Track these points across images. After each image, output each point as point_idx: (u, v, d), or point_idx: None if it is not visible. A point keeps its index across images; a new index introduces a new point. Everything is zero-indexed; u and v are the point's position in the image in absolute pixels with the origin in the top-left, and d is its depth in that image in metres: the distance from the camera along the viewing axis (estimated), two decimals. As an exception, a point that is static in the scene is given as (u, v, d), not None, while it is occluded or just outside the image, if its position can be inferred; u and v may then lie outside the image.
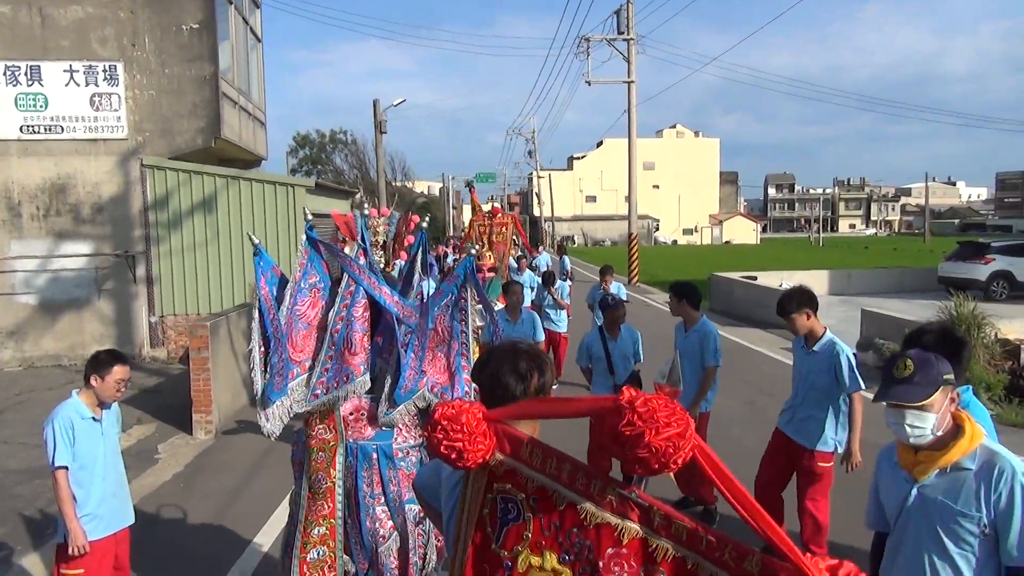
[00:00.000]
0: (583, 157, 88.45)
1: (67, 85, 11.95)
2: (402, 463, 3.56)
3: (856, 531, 5.19)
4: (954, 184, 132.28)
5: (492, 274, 11.52)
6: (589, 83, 27.42)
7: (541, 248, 21.18)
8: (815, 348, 4.76)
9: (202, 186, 12.42)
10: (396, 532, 3.49)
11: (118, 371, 3.79)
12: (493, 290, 11.06)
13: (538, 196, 65.38)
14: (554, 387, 7.83)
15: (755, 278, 20.44)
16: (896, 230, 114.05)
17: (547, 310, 10.55)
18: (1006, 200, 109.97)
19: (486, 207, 12.85)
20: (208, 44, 12.33)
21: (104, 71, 12.02)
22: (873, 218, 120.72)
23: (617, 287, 10.24)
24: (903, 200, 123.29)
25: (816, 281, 21.60)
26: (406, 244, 4.08)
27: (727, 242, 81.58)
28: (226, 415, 8.82)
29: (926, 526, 2.40)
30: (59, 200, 12.09)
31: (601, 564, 1.65)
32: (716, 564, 1.55)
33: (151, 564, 5.08)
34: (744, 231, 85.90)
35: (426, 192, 68.52)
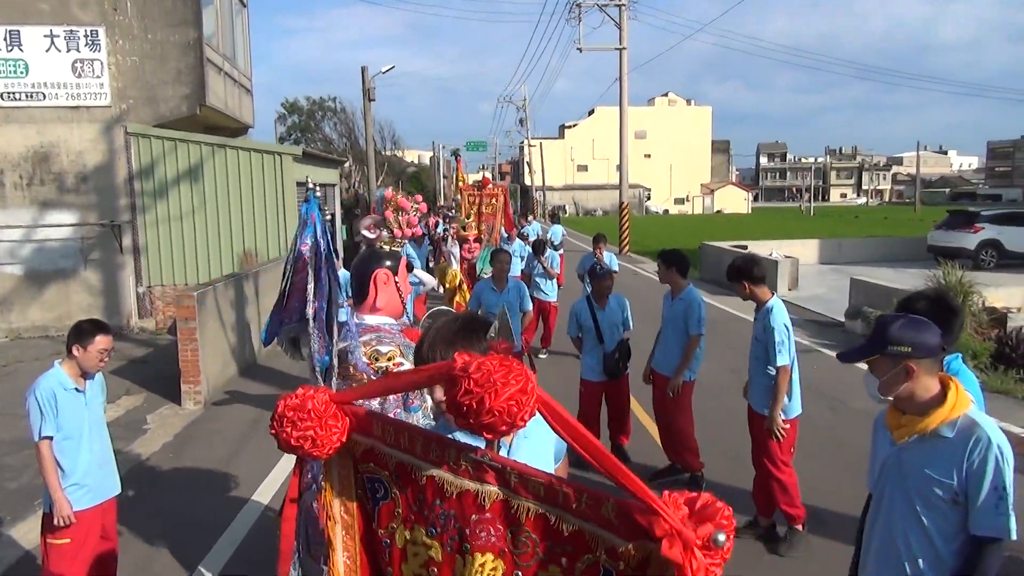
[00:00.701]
0: (574, 126, 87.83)
1: (48, 51, 11.73)
2: None
3: (841, 495, 5.26)
4: (945, 153, 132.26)
5: (477, 245, 11.46)
6: (580, 50, 27.12)
7: (531, 217, 21.07)
8: (757, 316, 4.83)
9: (188, 154, 12.27)
10: None
11: (101, 341, 3.75)
12: (482, 260, 11.00)
13: (529, 165, 65.02)
14: (543, 355, 7.89)
15: (745, 247, 20.43)
16: (887, 199, 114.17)
17: (537, 279, 10.52)
18: (997, 169, 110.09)
19: (476, 176, 12.77)
20: (192, 8, 12.10)
21: (86, 36, 11.80)
22: (864, 187, 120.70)
23: (609, 257, 10.20)
24: (894, 169, 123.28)
25: (806, 250, 21.65)
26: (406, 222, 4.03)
27: (719, 211, 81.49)
28: (215, 386, 8.80)
29: (901, 489, 2.42)
30: (42, 169, 11.92)
31: (468, 531, 1.64)
32: (576, 515, 1.53)
33: (141, 532, 5.10)
34: (736, 200, 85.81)
35: (416, 161, 68.01)
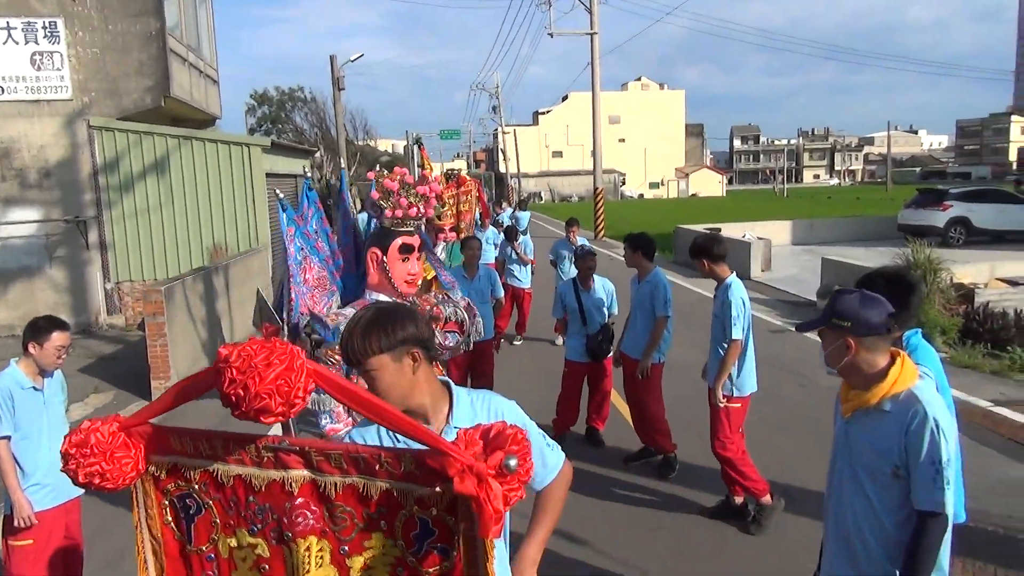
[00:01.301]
0: (548, 112, 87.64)
1: (5, 43, 11.44)
2: None
3: (811, 471, 5.31)
4: (916, 133, 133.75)
5: (453, 235, 11.36)
6: (552, 35, 27.04)
7: (505, 205, 20.99)
8: (716, 293, 4.87)
9: (153, 147, 12.06)
10: None
11: (57, 338, 3.66)
12: (455, 255, 10.92)
13: (503, 152, 64.82)
14: (518, 341, 7.89)
15: (719, 230, 20.54)
16: (859, 179, 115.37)
17: (510, 266, 10.48)
18: (966, 147, 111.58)
19: (452, 164, 12.66)
20: (152, -2, 11.86)
21: (44, 28, 11.52)
22: (837, 168, 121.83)
23: (582, 241, 10.19)
24: (866, 149, 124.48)
25: (779, 231, 21.82)
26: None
27: (693, 195, 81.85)
28: (186, 380, 8.68)
29: (849, 463, 2.46)
30: (3, 165, 11.66)
31: (286, 520, 1.64)
32: (380, 477, 1.57)
33: (109, 531, 5.02)
34: (710, 184, 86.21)
35: (390, 151, 67.56)
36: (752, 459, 4.88)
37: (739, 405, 4.76)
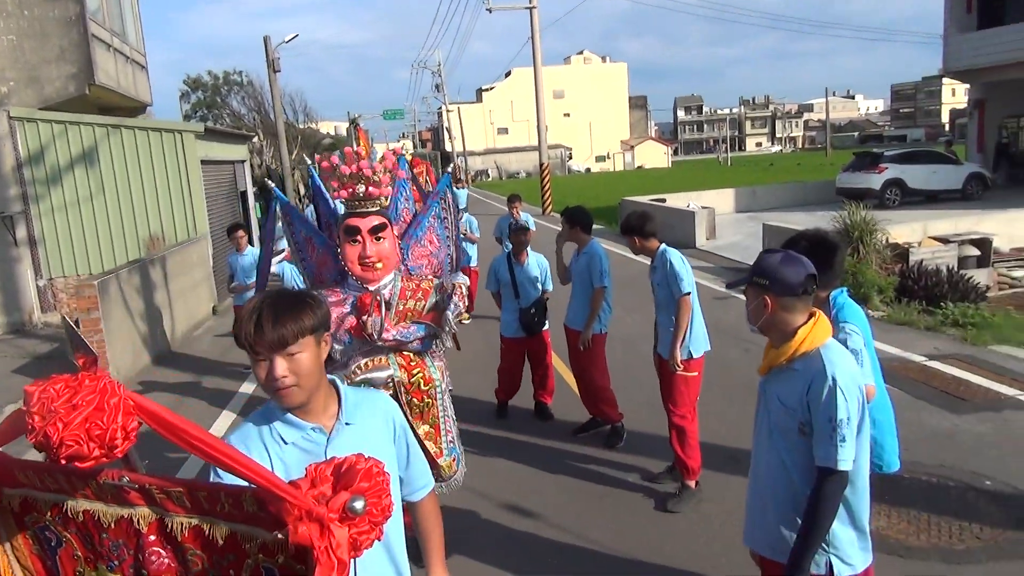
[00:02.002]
0: (492, 88, 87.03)
1: (-88, 33, 10.87)
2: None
3: (752, 433, 5.42)
4: (853, 98, 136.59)
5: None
6: (490, 10, 26.75)
7: (458, 186, 20.85)
8: (654, 264, 4.86)
9: (80, 137, 11.62)
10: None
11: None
12: None
13: (449, 131, 64.30)
14: (466, 320, 7.82)
15: (664, 200, 20.75)
16: (800, 146, 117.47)
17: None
18: (901, 111, 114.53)
19: (397, 144, 12.49)
20: (70, -19, 11.36)
21: (-46, 16, 10.97)
22: (778, 135, 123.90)
23: (526, 217, 10.17)
24: (806, 116, 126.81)
25: (723, 199, 22.11)
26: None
27: (639, 167, 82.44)
28: (127, 377, 8.46)
29: (765, 420, 2.51)
30: (-81, 161, 11.12)
31: (143, 558, 1.52)
32: (224, 518, 1.44)
33: None
34: (656, 155, 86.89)
35: (332, 133, 66.41)
36: (699, 424, 4.95)
37: (696, 374, 4.76)
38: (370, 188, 3.35)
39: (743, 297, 2.66)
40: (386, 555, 1.91)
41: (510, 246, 6.56)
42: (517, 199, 10.26)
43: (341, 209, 3.62)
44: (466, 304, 3.70)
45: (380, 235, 3.35)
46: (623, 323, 8.77)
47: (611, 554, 4.25)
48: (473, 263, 10.53)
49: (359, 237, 3.32)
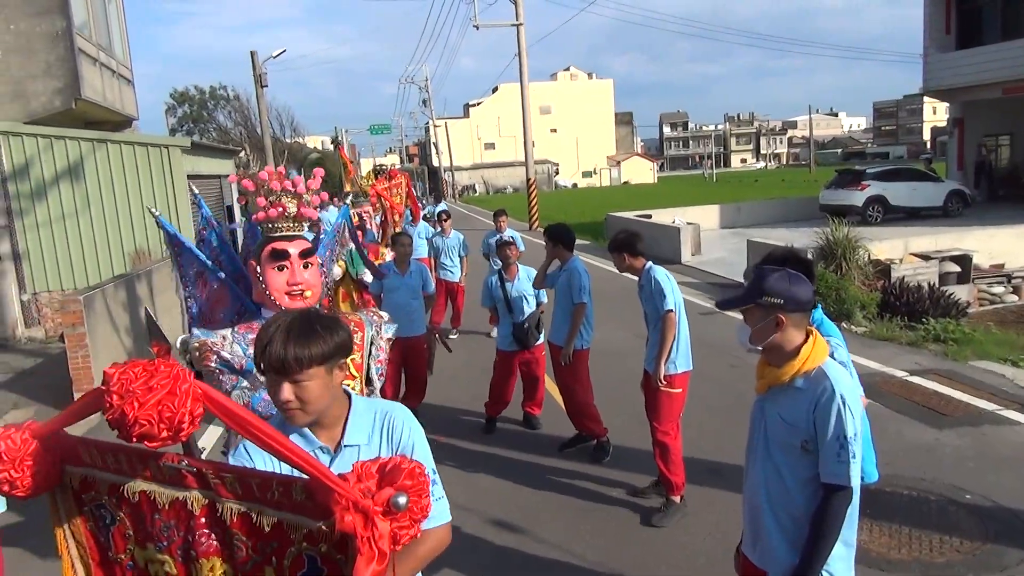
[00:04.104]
0: (479, 104, 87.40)
1: (-103, 47, 10.83)
2: None
3: (740, 449, 5.45)
4: (836, 115, 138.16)
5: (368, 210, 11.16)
6: (477, 27, 26.90)
7: (432, 198, 20.89)
8: (641, 282, 4.93)
9: (65, 152, 11.60)
10: None
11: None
12: (356, 262, 10.73)
13: (436, 146, 64.47)
14: (453, 335, 7.86)
15: (650, 216, 20.90)
16: (785, 162, 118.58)
17: (443, 261, 10.45)
18: (883, 128, 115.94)
19: (384, 160, 12.47)
20: (57, -4, 11.38)
21: (-60, 30, 10.94)
22: (763, 152, 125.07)
23: (511, 233, 10.21)
24: (790, 133, 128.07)
25: (707, 216, 22.29)
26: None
27: (626, 183, 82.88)
28: (111, 391, 8.41)
29: (763, 438, 2.52)
30: (-98, 175, 11.05)
31: (191, 539, 1.61)
32: (272, 507, 1.52)
33: (37, 552, 4.83)
34: (642, 171, 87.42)
35: (319, 148, 66.44)
36: (684, 438, 4.98)
37: (680, 390, 4.79)
38: (302, 208, 3.02)
39: (731, 314, 2.70)
40: None
41: (498, 262, 6.64)
42: (502, 214, 10.33)
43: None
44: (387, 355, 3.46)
45: (308, 260, 2.94)
46: (609, 338, 8.82)
47: (597, 569, 4.27)
48: (458, 279, 10.56)
49: (287, 263, 2.87)
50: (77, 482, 1.69)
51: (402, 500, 1.42)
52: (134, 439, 1.42)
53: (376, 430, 1.97)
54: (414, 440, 1.98)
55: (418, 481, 1.46)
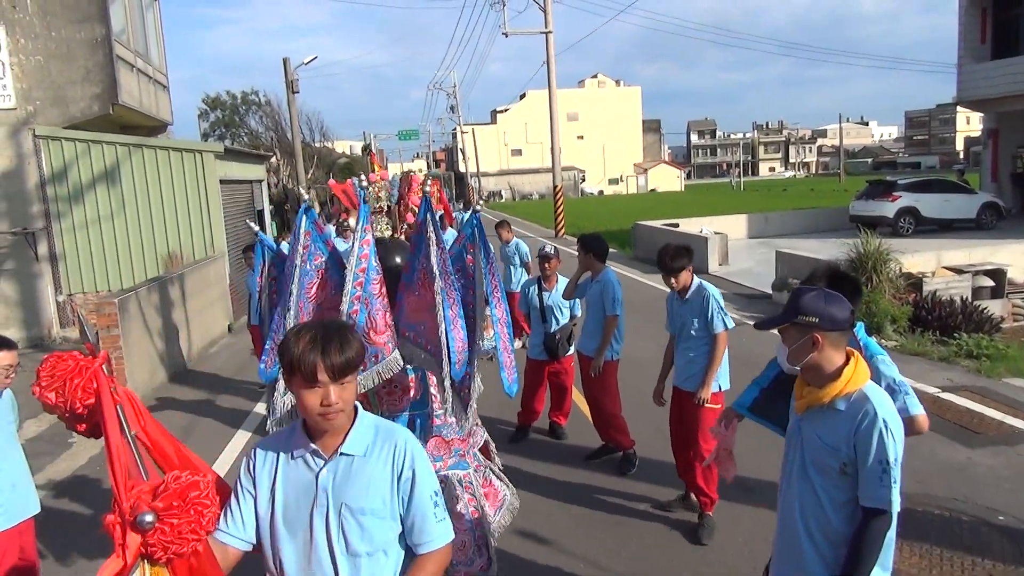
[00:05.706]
0: (506, 110, 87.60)
1: (-56, 53, 11.12)
2: (439, 430, 3.42)
3: (769, 465, 5.41)
4: (867, 124, 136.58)
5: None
6: (506, 35, 27.04)
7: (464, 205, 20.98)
8: (687, 297, 4.83)
9: (103, 156, 11.84)
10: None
11: (3, 357, 3.60)
12: None
13: (463, 152, 64.71)
14: (518, 346, 7.83)
15: (677, 225, 20.80)
16: (814, 171, 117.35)
17: (508, 268, 10.37)
18: (915, 138, 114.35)
19: (411, 165, 12.50)
20: (97, 3, 11.61)
21: (-16, 36, 11.22)
22: (792, 160, 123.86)
23: (516, 243, 10.00)
24: (819, 142, 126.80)
25: (735, 225, 22.14)
26: (412, 206, 3.67)
27: (652, 190, 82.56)
28: (144, 393, 8.55)
29: (800, 458, 2.51)
30: (-54, 177, 11.33)
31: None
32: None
33: (68, 550, 4.93)
34: (669, 179, 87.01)
35: (348, 152, 66.96)
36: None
37: (720, 406, 4.72)
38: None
39: (755, 328, 2.67)
40: None
41: (519, 272, 6.68)
42: (504, 225, 10.25)
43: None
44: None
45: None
46: (636, 349, 8.79)
47: (623, 582, 4.27)
48: (515, 287, 10.45)
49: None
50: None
51: (147, 519, 1.62)
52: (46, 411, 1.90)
53: (377, 446, 2.03)
54: (415, 468, 2.01)
55: (183, 504, 1.68)
